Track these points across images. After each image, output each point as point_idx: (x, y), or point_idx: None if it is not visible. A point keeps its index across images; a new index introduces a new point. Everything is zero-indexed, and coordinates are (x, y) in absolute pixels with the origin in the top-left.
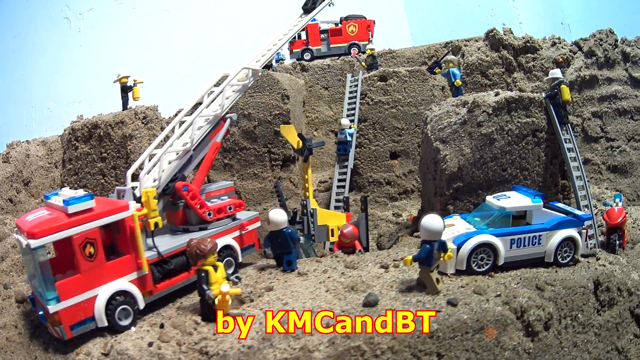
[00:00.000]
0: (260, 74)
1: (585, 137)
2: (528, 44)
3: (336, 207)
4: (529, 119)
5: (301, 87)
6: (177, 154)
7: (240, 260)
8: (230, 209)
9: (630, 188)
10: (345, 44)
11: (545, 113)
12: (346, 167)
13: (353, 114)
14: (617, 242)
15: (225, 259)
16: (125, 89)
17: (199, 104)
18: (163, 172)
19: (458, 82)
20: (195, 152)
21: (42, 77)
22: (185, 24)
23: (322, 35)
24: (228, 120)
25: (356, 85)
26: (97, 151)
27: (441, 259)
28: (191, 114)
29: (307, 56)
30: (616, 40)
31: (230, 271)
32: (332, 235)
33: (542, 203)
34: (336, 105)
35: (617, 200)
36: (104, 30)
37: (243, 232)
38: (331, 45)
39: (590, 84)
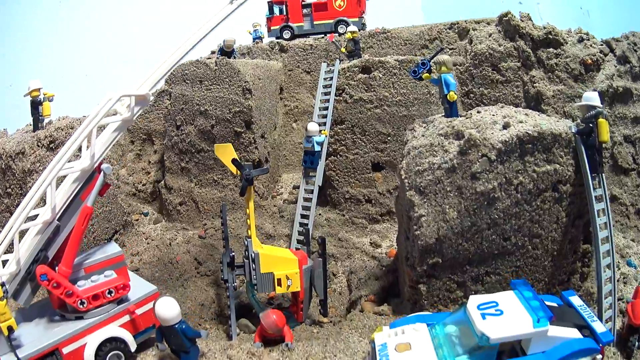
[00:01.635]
0: (152, 98)
1: (613, 167)
2: (550, 36)
3: (299, 237)
4: (550, 167)
5: (276, 72)
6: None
7: (134, 347)
8: (110, 293)
9: None
10: (332, 21)
11: (574, 157)
12: (313, 184)
13: (325, 116)
14: (637, 344)
15: (110, 355)
16: (36, 104)
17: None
18: (20, 252)
19: (453, 95)
20: (63, 222)
21: None
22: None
23: (305, 10)
24: (102, 173)
25: (331, 78)
26: (2, 185)
27: None
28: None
29: (286, 34)
30: None
31: None
32: (280, 285)
33: (547, 327)
34: None
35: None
36: None
37: (134, 316)
38: (315, 22)
39: (623, 98)
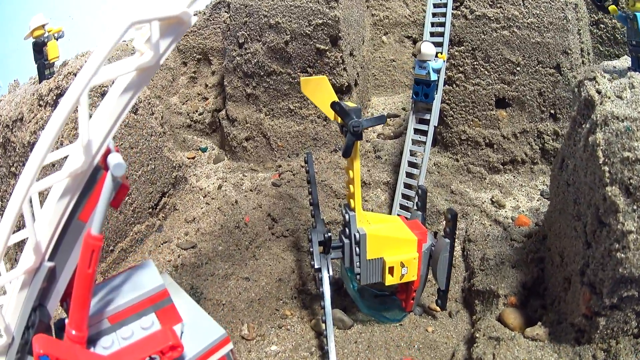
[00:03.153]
0: (193, 20)
1: None
2: None
3: (404, 197)
4: None
5: None
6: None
7: None
8: None
9: None
10: None
11: None
12: (427, 123)
13: (440, 34)
14: None
15: None
16: (39, 47)
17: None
18: (6, 317)
19: None
20: (58, 260)
21: None
22: None
23: None
24: (109, 174)
25: None
26: (6, 163)
27: None
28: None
29: None
30: None
31: None
32: (392, 275)
33: None
34: (414, 2)
35: None
36: None
37: None
38: None
39: None
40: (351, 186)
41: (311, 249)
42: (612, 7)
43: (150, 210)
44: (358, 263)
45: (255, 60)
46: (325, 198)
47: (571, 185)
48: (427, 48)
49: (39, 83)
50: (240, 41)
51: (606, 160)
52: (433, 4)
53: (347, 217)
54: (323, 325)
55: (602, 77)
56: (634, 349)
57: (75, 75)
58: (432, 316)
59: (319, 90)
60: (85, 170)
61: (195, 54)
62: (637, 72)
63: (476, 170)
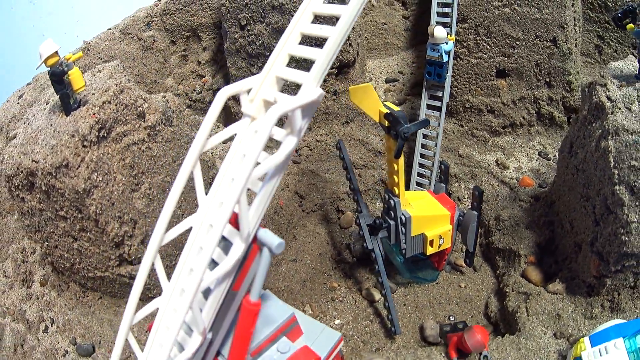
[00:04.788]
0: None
1: None
2: None
3: (420, 175)
4: None
5: None
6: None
7: None
8: None
9: None
10: None
11: None
12: (438, 99)
13: (447, 15)
14: None
15: None
16: (59, 76)
17: None
18: None
19: None
20: (214, 329)
21: None
22: None
23: None
24: (267, 250)
25: None
26: (51, 207)
27: None
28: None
29: None
30: None
31: None
32: (432, 246)
33: None
34: None
35: None
36: None
37: None
38: None
39: None
40: (395, 177)
41: (361, 232)
42: (629, 26)
43: None
44: (404, 240)
45: (260, 42)
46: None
47: (580, 171)
48: (439, 32)
49: (66, 115)
50: (242, 23)
51: (616, 165)
52: None
53: (392, 202)
54: (376, 294)
55: (612, 83)
56: (631, 297)
57: (111, 102)
58: (460, 272)
59: (365, 98)
60: (247, 238)
61: (183, 32)
62: None
63: (480, 134)
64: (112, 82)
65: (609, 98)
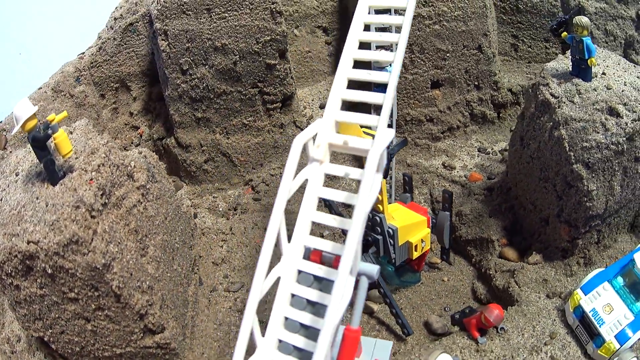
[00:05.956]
0: None
1: None
2: None
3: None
4: None
5: None
6: None
7: None
8: None
9: None
10: None
11: None
12: (389, 117)
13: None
14: None
15: None
16: (40, 142)
17: None
18: None
19: (594, 61)
20: None
21: None
22: None
23: None
24: (364, 278)
25: None
26: (57, 291)
27: None
28: None
29: None
30: None
31: None
32: (416, 250)
33: None
34: None
35: None
36: None
37: None
38: None
39: None
40: (379, 195)
41: None
42: (564, 34)
43: (190, 270)
44: (393, 250)
45: (204, 85)
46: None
47: (536, 159)
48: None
49: (52, 185)
50: (184, 68)
51: (571, 148)
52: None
53: (377, 219)
54: (374, 306)
55: (552, 82)
56: (598, 251)
57: (117, 167)
58: (438, 268)
59: (349, 129)
60: None
61: (112, 84)
62: (579, 78)
63: (422, 143)
64: (97, 142)
65: (552, 95)
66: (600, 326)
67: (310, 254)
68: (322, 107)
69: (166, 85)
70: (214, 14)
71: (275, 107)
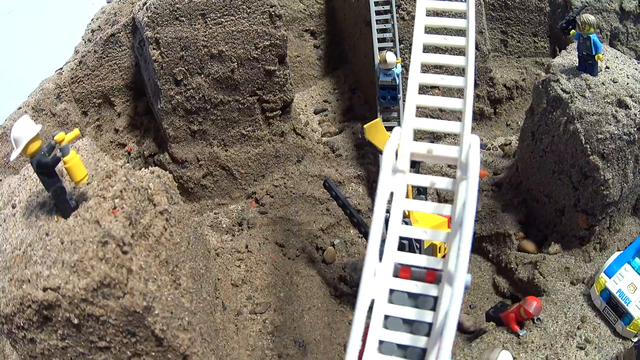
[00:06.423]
0: None
1: None
2: None
3: None
4: None
5: None
6: None
7: None
8: None
9: None
10: None
11: None
12: (396, 120)
13: (385, 40)
14: None
15: None
16: (47, 167)
17: None
18: None
19: (601, 56)
20: None
21: None
22: None
23: None
24: None
25: None
26: (84, 341)
27: None
28: None
29: None
30: None
31: None
32: (439, 252)
33: None
34: None
35: None
36: None
37: None
38: None
39: None
40: None
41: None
42: (572, 32)
43: (213, 296)
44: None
45: (200, 95)
46: (312, 207)
47: (549, 152)
48: (391, 57)
49: (65, 217)
50: (177, 78)
51: (586, 141)
52: (375, 10)
53: (404, 223)
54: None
55: (562, 77)
56: (610, 235)
57: (138, 190)
58: None
59: (377, 133)
60: None
61: (94, 99)
62: (586, 74)
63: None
64: (111, 164)
65: (563, 90)
66: (627, 305)
67: (400, 271)
68: (317, 112)
69: (158, 98)
70: (209, 19)
71: (274, 115)
